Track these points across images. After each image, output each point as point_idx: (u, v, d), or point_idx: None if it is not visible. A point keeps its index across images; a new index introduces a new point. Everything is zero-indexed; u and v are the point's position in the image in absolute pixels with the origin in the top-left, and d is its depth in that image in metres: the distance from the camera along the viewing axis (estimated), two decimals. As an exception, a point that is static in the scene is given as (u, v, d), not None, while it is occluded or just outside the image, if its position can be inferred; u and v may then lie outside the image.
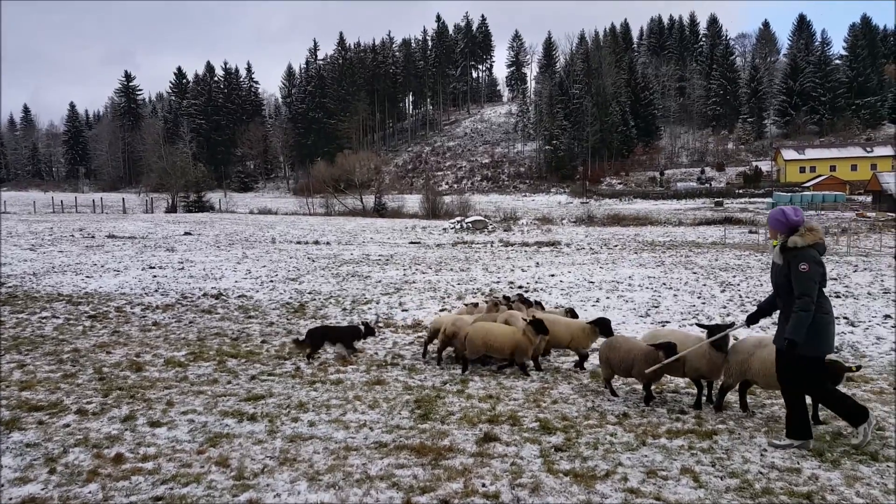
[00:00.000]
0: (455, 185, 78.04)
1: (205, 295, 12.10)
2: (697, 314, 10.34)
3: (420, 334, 8.78)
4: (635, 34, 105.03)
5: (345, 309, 10.81)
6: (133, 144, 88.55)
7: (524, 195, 71.76)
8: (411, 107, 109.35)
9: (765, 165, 73.36)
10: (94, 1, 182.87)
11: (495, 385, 6.07)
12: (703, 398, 5.39)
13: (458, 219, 37.87)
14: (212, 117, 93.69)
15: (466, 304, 8.95)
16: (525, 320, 6.51)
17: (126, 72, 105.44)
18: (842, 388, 5.95)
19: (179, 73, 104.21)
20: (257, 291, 12.70)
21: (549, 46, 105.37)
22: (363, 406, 5.29)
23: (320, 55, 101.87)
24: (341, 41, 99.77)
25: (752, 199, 58.98)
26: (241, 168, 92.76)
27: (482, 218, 37.91)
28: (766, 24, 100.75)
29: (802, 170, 68.33)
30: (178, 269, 16.17)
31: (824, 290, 4.26)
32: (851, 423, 4.32)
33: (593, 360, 6.80)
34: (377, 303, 11.46)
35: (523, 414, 5.10)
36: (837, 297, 12.14)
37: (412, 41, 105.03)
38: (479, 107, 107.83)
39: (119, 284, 13.29)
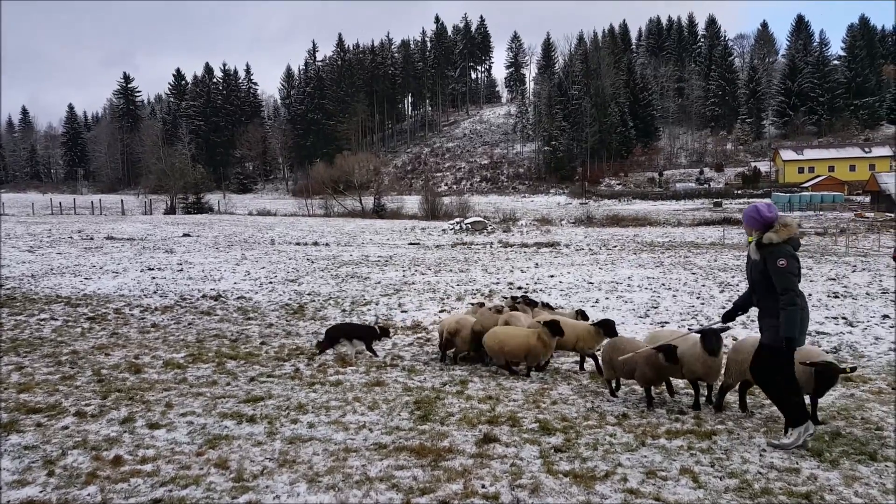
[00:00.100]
0: (454, 186, 78.06)
1: (204, 296, 12.09)
2: (696, 315, 10.35)
3: (419, 335, 8.78)
4: (634, 35, 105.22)
5: (344, 310, 10.81)
6: (132, 146, 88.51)
7: (523, 196, 71.80)
8: (410, 108, 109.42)
9: (763, 166, 73.46)
10: (93, 1, 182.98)
11: (495, 386, 6.07)
12: (703, 398, 5.40)
13: (458, 220, 37.88)
14: (210, 119, 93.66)
15: (472, 304, 8.97)
16: (541, 323, 6.40)
17: (125, 73, 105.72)
18: (840, 388, 5.98)
19: (178, 75, 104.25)
20: (256, 293, 12.69)
21: (547, 47, 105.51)
22: (363, 407, 5.29)
23: (319, 56, 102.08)
24: (340, 42, 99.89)
25: (750, 200, 58.87)
26: (239, 169, 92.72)
27: (481, 219, 37.93)
28: (764, 25, 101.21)
29: (801, 170, 68.43)
30: (177, 270, 16.16)
31: (798, 284, 4.29)
32: (791, 423, 4.32)
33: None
34: (376, 304, 11.46)
35: (523, 415, 5.10)
36: (836, 297, 12.15)
37: (411, 42, 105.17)
38: (478, 108, 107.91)
39: (118, 286, 13.28)
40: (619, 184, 74.97)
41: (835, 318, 9.95)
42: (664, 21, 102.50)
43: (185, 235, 28.46)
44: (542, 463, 4.07)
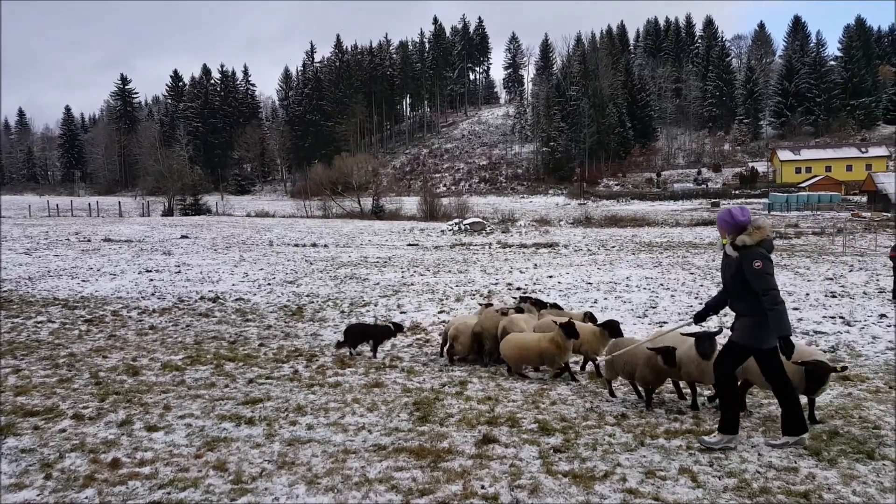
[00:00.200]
0: (453, 187, 78.08)
1: (202, 298, 12.07)
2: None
3: (418, 336, 8.77)
4: (632, 36, 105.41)
5: (343, 311, 10.80)
6: (129, 148, 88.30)
7: (522, 197, 71.86)
8: (409, 109, 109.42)
9: (761, 166, 73.65)
10: (91, 1, 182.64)
11: (494, 387, 6.07)
12: (703, 399, 5.40)
13: (456, 221, 37.88)
14: (208, 120, 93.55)
15: (481, 304, 8.98)
16: (557, 323, 6.26)
17: (122, 75, 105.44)
18: (838, 387, 5.99)
19: (176, 76, 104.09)
20: (255, 294, 12.68)
21: (545, 48, 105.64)
22: (362, 409, 5.28)
23: (317, 57, 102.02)
24: (338, 43, 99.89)
25: (748, 200, 59.14)
26: (237, 171, 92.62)
27: (480, 220, 37.94)
28: (761, 26, 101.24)
29: (798, 170, 68.61)
30: (175, 272, 16.13)
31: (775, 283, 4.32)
32: (723, 426, 4.33)
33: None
34: (375, 305, 11.45)
35: (522, 415, 5.09)
36: (833, 296, 12.18)
37: (409, 43, 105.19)
38: (476, 109, 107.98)
39: (115, 288, 13.25)
40: (617, 184, 75.07)
41: (832, 317, 9.97)
42: (662, 22, 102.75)
43: (182, 237, 28.42)
44: (542, 463, 4.07)
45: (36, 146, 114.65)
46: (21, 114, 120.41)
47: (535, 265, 18.49)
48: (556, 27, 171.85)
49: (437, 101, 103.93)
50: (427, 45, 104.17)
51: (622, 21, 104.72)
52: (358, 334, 7.41)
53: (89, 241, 25.88)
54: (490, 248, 25.95)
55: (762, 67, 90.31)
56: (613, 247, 25.50)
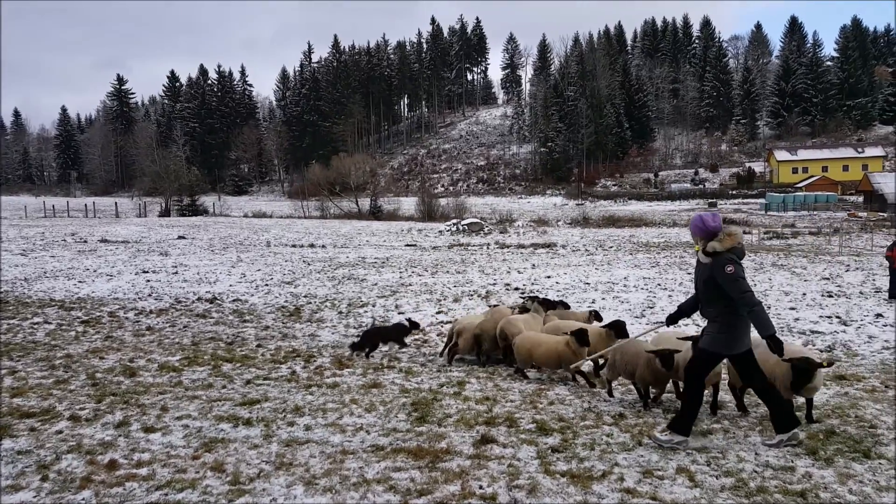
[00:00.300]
0: (451, 188, 78.09)
1: (199, 299, 12.04)
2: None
3: (416, 337, 8.77)
4: (629, 36, 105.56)
5: (341, 312, 10.79)
6: (126, 148, 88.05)
7: (520, 197, 71.90)
8: (406, 109, 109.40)
9: (758, 166, 73.86)
10: (87, 1, 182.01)
11: (492, 387, 6.07)
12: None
13: (454, 221, 37.88)
14: (205, 120, 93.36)
15: (490, 305, 8.99)
16: (569, 332, 6.16)
17: (118, 75, 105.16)
18: (835, 386, 6.01)
19: (172, 77, 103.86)
20: (252, 295, 12.66)
21: (543, 49, 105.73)
22: (359, 409, 5.28)
23: (315, 58, 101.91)
24: (336, 44, 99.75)
25: (745, 200, 59.35)
26: (235, 171, 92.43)
27: (478, 220, 37.95)
28: (758, 26, 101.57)
29: (795, 170, 68.84)
30: (172, 273, 16.09)
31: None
32: (675, 425, 4.37)
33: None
34: (373, 306, 11.44)
35: (520, 415, 5.10)
36: (830, 296, 12.22)
37: (407, 44, 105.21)
38: (474, 109, 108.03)
39: (112, 289, 13.21)
40: (614, 185, 75.20)
41: (829, 317, 10.01)
42: (659, 22, 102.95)
43: (179, 238, 28.35)
44: (540, 463, 4.07)
45: (32, 147, 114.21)
46: (17, 114, 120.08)
47: (533, 265, 18.51)
48: (554, 28, 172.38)
49: (434, 101, 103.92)
50: (425, 46, 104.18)
51: (619, 22, 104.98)
52: (374, 335, 7.62)
53: (86, 241, 25.80)
54: (488, 248, 25.96)
55: (759, 68, 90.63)
56: (611, 247, 25.54)
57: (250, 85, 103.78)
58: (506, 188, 79.32)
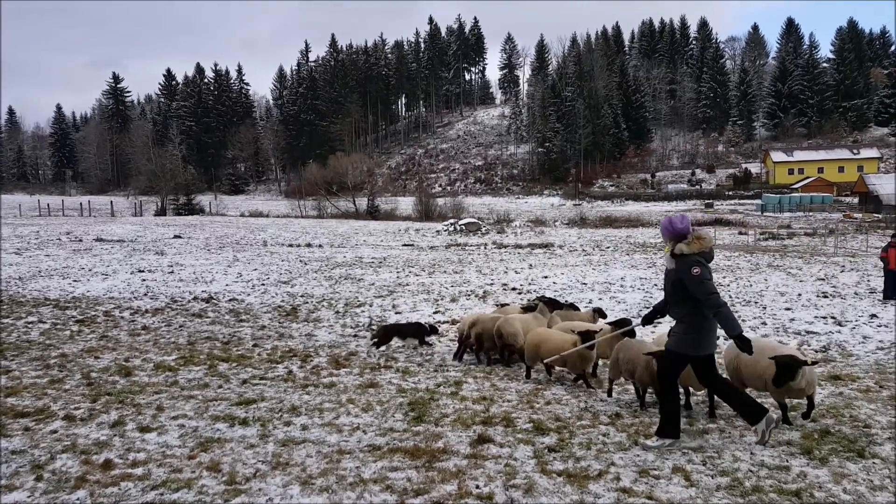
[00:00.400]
0: (448, 188, 78.08)
1: (195, 298, 12.00)
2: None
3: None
4: (627, 37, 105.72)
5: (338, 312, 10.77)
6: (121, 147, 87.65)
7: (517, 197, 71.97)
8: (404, 109, 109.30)
9: (754, 167, 74.12)
10: (84, 1, 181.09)
11: (489, 387, 6.07)
12: (697, 399, 5.43)
13: (452, 221, 37.89)
14: (202, 119, 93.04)
15: (498, 305, 9.00)
16: (577, 332, 6.07)
17: (114, 73, 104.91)
18: (830, 386, 6.04)
19: (169, 75, 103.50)
20: (248, 295, 12.62)
21: (541, 49, 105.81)
22: (356, 409, 5.27)
23: (312, 57, 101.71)
24: (333, 43, 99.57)
25: (741, 201, 59.56)
26: (231, 170, 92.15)
27: (475, 220, 37.97)
28: (755, 28, 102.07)
29: (791, 171, 69.11)
30: (168, 272, 16.03)
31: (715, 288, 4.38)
32: (662, 431, 4.40)
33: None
34: (370, 305, 11.43)
35: (517, 415, 5.10)
36: (825, 296, 12.28)
37: (405, 43, 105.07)
38: (471, 109, 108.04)
39: (107, 288, 13.15)
40: (612, 185, 75.35)
41: (824, 317, 10.06)
42: (657, 23, 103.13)
43: (175, 237, 28.25)
44: (536, 463, 4.07)
45: (26, 145, 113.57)
46: (11, 112, 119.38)
47: (531, 266, 18.53)
48: (552, 28, 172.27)
49: (432, 101, 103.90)
50: (422, 45, 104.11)
51: (617, 22, 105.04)
52: (392, 332, 7.89)
53: (81, 240, 25.68)
54: (485, 248, 25.97)
55: (756, 69, 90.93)
56: (608, 247, 25.60)
57: (247, 84, 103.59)
58: (503, 188, 79.37)
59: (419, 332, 7.91)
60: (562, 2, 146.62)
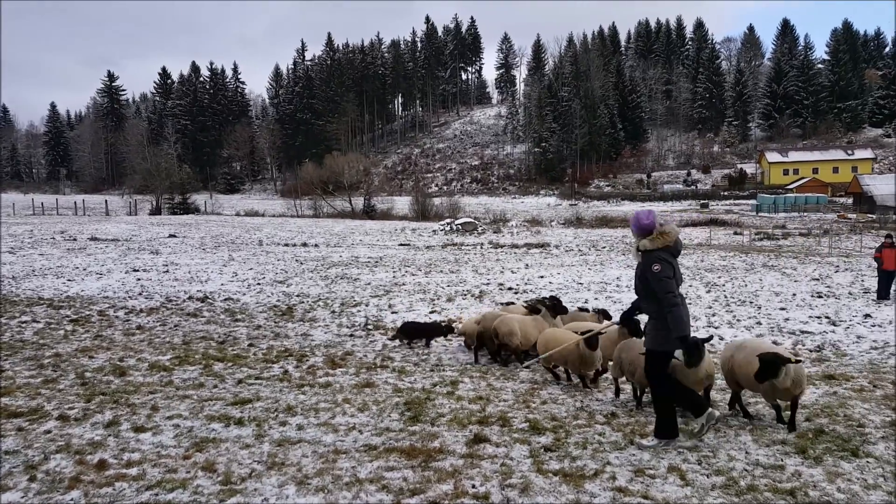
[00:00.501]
0: (445, 187, 78.06)
1: (190, 298, 11.95)
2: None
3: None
4: (623, 37, 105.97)
5: (334, 311, 10.75)
6: (116, 145, 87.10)
7: (513, 197, 72.05)
8: (400, 108, 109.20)
9: (749, 168, 74.48)
10: (79, 1, 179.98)
11: (485, 386, 6.08)
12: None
13: (448, 221, 37.88)
14: (197, 118, 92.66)
15: (501, 304, 9.00)
16: (580, 333, 6.03)
17: (109, 72, 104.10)
18: (824, 385, 6.07)
19: (164, 74, 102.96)
20: (244, 294, 12.58)
21: (537, 49, 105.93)
22: (352, 409, 5.26)
23: (308, 56, 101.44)
24: (329, 42, 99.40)
25: (737, 201, 59.82)
26: (227, 169, 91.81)
27: (472, 220, 37.97)
28: (750, 29, 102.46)
29: (786, 172, 69.47)
30: (163, 271, 15.96)
31: (678, 289, 4.39)
32: (659, 432, 4.38)
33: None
34: (366, 305, 11.41)
35: (513, 415, 5.11)
36: (819, 296, 12.35)
37: (401, 42, 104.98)
38: (468, 109, 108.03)
39: (102, 288, 13.08)
40: (608, 185, 75.54)
41: (818, 317, 10.12)
42: (653, 24, 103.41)
43: (170, 236, 28.13)
44: (532, 462, 4.08)
45: (20, 143, 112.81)
46: (5, 110, 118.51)
47: (527, 265, 18.55)
48: (549, 28, 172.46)
49: (429, 100, 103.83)
50: (419, 45, 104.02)
51: (613, 22, 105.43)
52: (412, 330, 8.11)
53: (75, 239, 25.53)
54: (482, 248, 25.98)
55: (751, 70, 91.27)
56: (604, 247, 25.65)
57: (243, 82, 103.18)
58: (500, 188, 79.42)
59: (439, 332, 8.13)
60: (558, 2, 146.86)
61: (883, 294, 12.04)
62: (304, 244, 26.40)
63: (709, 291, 13.14)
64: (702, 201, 58.92)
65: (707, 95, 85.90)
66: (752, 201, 55.89)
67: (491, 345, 7.09)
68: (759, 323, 9.68)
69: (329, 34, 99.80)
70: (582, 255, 22.19)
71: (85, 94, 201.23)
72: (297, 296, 12.41)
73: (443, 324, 8.39)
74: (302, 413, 5.13)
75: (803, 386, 4.76)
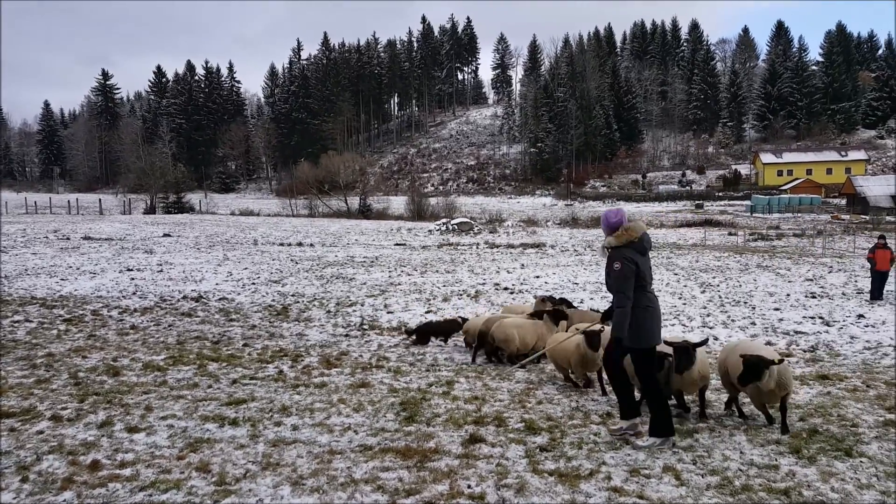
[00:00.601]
0: (440, 187, 78.06)
1: (184, 297, 11.89)
2: (679, 314, 10.49)
3: (405, 336, 8.75)
4: (618, 38, 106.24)
5: (329, 311, 10.72)
6: (110, 144, 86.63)
7: (509, 197, 72.13)
8: (396, 108, 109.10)
9: (744, 169, 74.86)
10: (74, 1, 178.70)
11: (481, 386, 6.07)
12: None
13: (444, 220, 37.86)
14: (192, 117, 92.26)
15: (503, 305, 9.02)
16: (582, 332, 5.95)
17: (103, 70, 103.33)
18: (818, 386, 6.11)
19: (159, 72, 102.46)
20: (239, 294, 12.53)
21: (534, 49, 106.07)
22: (348, 409, 5.25)
23: (304, 55, 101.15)
24: (325, 41, 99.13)
25: (731, 202, 60.13)
26: (222, 169, 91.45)
27: (468, 220, 37.97)
28: (745, 30, 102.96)
29: (780, 173, 69.88)
30: (157, 271, 15.88)
31: (647, 285, 4.46)
32: (654, 430, 4.38)
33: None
34: (362, 305, 11.39)
35: (509, 415, 5.11)
36: (813, 297, 12.43)
37: (397, 42, 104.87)
38: (464, 109, 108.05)
39: (95, 287, 13.00)
40: (603, 185, 75.76)
41: (812, 317, 10.18)
42: (648, 25, 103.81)
43: (165, 235, 27.99)
44: (528, 462, 4.08)
45: (13, 142, 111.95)
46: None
47: (523, 265, 18.57)
48: (545, 29, 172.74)
49: (425, 100, 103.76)
50: (415, 45, 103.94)
51: (609, 23, 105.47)
52: (429, 331, 8.20)
53: (68, 239, 25.35)
54: (477, 248, 25.99)
55: (746, 71, 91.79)
56: (599, 247, 25.67)
57: (238, 81, 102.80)
58: (495, 188, 79.50)
59: (457, 328, 8.21)
60: (554, 2, 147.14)
61: (876, 295, 12.13)
62: (300, 244, 26.32)
63: (703, 292, 13.20)
64: (696, 202, 59.18)
65: (702, 96, 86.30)
66: (747, 202, 56.18)
67: (490, 346, 7.10)
68: (754, 323, 9.73)
69: (325, 33, 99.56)
70: (577, 256, 22.24)
71: (79, 92, 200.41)
72: (293, 295, 12.38)
73: (458, 319, 8.44)
74: (297, 413, 5.11)
75: (789, 388, 4.74)
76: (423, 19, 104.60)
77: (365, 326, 9.44)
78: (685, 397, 5.50)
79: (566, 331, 6.58)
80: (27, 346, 7.67)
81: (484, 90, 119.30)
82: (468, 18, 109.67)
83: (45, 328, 8.85)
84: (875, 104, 79.34)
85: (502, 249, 25.08)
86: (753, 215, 49.01)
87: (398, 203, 53.04)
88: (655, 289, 4.82)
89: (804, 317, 10.21)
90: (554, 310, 7.24)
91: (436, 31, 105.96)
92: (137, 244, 23.66)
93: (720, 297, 12.47)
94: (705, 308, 11.16)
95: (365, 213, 49.99)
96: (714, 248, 25.49)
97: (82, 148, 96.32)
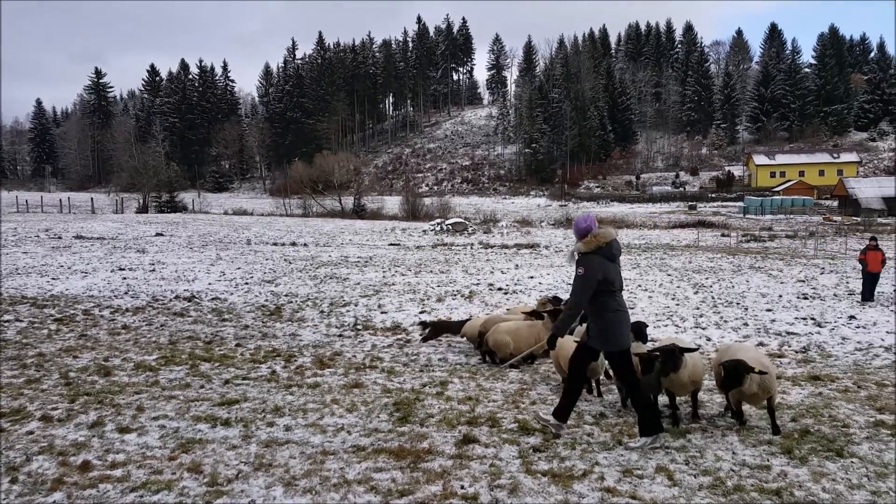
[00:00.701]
0: (435, 187, 78.06)
1: (177, 297, 11.82)
2: (672, 315, 10.55)
3: (399, 336, 8.74)
4: (613, 40, 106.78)
5: (322, 311, 10.69)
6: (103, 143, 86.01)
7: (504, 197, 72.23)
8: (391, 108, 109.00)
9: (737, 170, 75.38)
10: (68, 1, 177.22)
11: (475, 387, 6.07)
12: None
13: (438, 221, 37.86)
14: (186, 116, 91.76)
15: (506, 307, 9.04)
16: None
17: (96, 68, 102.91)
18: (809, 386, 6.15)
19: (153, 71, 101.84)
20: (232, 294, 12.47)
21: (529, 50, 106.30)
22: (341, 409, 5.23)
23: (298, 55, 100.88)
24: (320, 41, 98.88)
25: (724, 203, 60.53)
26: (215, 168, 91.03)
27: (462, 220, 37.99)
28: (739, 33, 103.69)
29: (773, 174, 70.42)
30: (149, 270, 15.77)
31: (617, 290, 4.50)
32: (643, 430, 4.42)
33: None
34: (356, 305, 11.36)
35: (502, 415, 5.11)
36: (805, 298, 12.52)
37: (392, 42, 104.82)
38: (459, 109, 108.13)
39: (87, 286, 12.89)
40: (597, 186, 76.04)
41: (804, 318, 10.25)
42: (643, 26, 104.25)
43: (157, 235, 27.80)
44: (521, 463, 4.08)
45: (4, 140, 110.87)
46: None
47: (517, 266, 18.59)
48: (540, 29, 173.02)
49: (420, 100, 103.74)
50: (411, 45, 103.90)
51: (604, 25, 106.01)
52: (440, 329, 8.30)
53: (60, 237, 25.13)
54: (472, 248, 26.00)
55: (739, 73, 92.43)
56: (594, 248, 25.71)
57: (232, 80, 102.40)
58: (490, 188, 79.60)
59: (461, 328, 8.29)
60: (549, 3, 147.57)
61: (867, 296, 12.23)
62: (293, 243, 26.23)
63: (696, 292, 13.27)
64: (690, 203, 59.53)
65: (696, 98, 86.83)
66: (740, 203, 56.57)
67: (486, 347, 7.09)
68: (746, 324, 9.79)
69: (320, 33, 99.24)
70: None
71: (71, 90, 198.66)
72: (286, 295, 12.33)
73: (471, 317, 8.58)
74: (290, 414, 5.09)
75: (773, 391, 4.73)
76: (419, 19, 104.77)
77: (359, 327, 9.41)
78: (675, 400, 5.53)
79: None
80: (17, 346, 7.60)
81: (479, 91, 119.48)
82: (464, 19, 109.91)
83: (35, 328, 8.77)
84: (867, 107, 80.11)
85: (496, 250, 25.10)
86: (746, 216, 49.35)
87: (392, 203, 52.98)
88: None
89: (796, 318, 10.29)
90: (554, 310, 7.14)
91: (431, 31, 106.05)
92: (130, 243, 23.49)
93: (713, 297, 12.54)
94: (698, 309, 11.23)
95: (359, 212, 49.89)
96: (707, 249, 25.64)
97: (75, 146, 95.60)
